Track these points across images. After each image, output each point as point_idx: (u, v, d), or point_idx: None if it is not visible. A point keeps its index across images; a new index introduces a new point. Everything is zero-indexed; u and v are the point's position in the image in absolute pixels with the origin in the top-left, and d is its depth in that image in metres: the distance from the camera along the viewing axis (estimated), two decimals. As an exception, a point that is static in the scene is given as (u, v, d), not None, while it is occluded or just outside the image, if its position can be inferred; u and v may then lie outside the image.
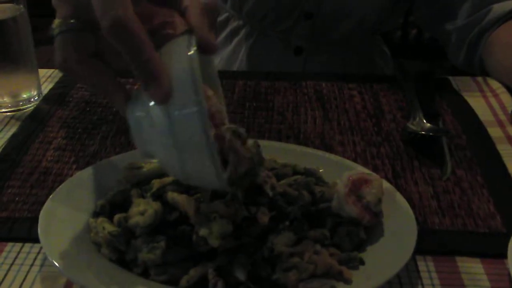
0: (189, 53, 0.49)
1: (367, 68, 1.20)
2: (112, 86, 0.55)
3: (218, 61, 1.20)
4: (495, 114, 0.87)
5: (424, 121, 0.81)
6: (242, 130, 0.53)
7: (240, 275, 0.53)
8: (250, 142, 0.55)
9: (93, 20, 0.50)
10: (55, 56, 0.57)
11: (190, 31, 0.52)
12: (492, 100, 0.91)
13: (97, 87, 0.57)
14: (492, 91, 0.94)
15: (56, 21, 0.57)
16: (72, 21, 0.56)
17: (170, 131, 0.48)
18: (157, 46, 0.50)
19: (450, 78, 0.98)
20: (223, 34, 1.20)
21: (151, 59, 0.49)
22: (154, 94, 0.48)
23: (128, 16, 0.48)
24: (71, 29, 0.56)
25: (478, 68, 1.01)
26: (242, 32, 1.17)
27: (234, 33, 1.18)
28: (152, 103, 0.49)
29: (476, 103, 0.90)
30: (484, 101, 0.91)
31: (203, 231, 0.53)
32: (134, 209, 0.56)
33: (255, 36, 1.15)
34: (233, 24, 1.18)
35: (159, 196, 0.57)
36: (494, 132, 0.82)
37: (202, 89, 0.48)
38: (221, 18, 1.20)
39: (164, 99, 0.48)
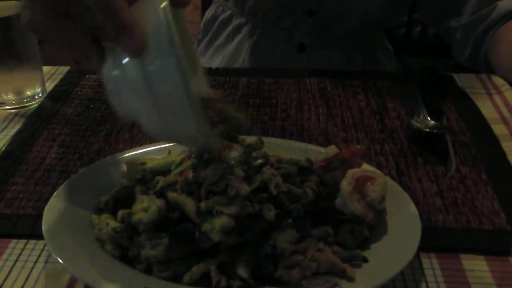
0: (161, 5, 0.47)
1: (370, 65, 1.19)
2: (85, 45, 0.53)
3: (221, 58, 1.20)
4: (499, 111, 0.87)
5: (428, 118, 0.81)
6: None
7: (243, 273, 0.53)
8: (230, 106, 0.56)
9: None
10: (22, 15, 0.54)
11: None
12: (497, 97, 0.91)
13: (70, 47, 0.54)
14: (496, 88, 0.93)
15: None
16: None
17: (147, 86, 0.47)
18: (128, 3, 0.49)
19: (454, 75, 0.98)
20: (226, 32, 1.20)
21: (121, 9, 0.47)
22: (127, 47, 0.47)
23: None
24: None
25: (483, 65, 1.01)
26: (245, 30, 1.17)
27: (237, 30, 1.18)
28: (127, 59, 0.48)
29: (480, 100, 0.90)
30: (488, 98, 0.91)
31: (205, 226, 0.53)
32: (138, 206, 0.56)
33: (258, 33, 1.15)
34: (236, 22, 1.18)
35: (162, 193, 0.57)
36: (498, 129, 0.82)
37: (178, 40, 0.46)
38: (224, 15, 1.20)
39: (138, 51, 0.47)
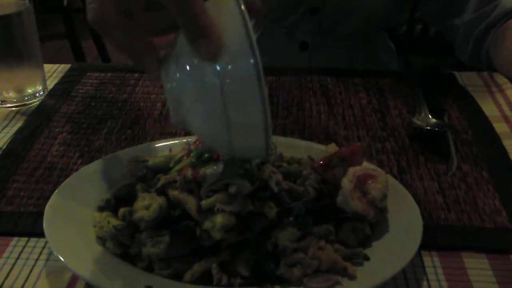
0: (241, 7, 0.46)
1: (372, 63, 1.19)
2: (145, 47, 0.52)
3: None
4: (501, 109, 0.87)
5: (430, 116, 0.80)
6: None
7: (244, 271, 0.53)
8: None
9: None
10: (89, 10, 0.52)
11: None
12: (498, 95, 0.91)
13: (127, 48, 0.52)
14: (498, 86, 0.93)
15: None
16: None
17: (220, 89, 0.46)
18: None
19: (456, 73, 0.98)
20: None
21: (201, 12, 0.46)
22: (204, 50, 0.46)
23: None
24: None
25: (485, 63, 1.01)
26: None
27: None
28: (196, 61, 0.47)
29: (482, 98, 0.90)
30: (490, 96, 0.91)
31: (206, 224, 0.53)
32: (139, 203, 0.56)
33: (261, 31, 1.15)
34: None
35: (163, 191, 0.57)
36: (500, 127, 0.82)
37: (256, 44, 0.45)
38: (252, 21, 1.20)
39: (214, 55, 0.46)
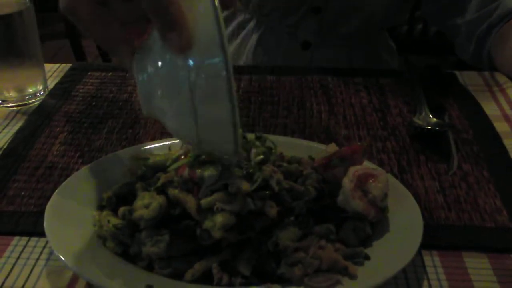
0: (212, 1, 0.45)
1: (373, 62, 1.19)
2: (118, 36, 0.52)
3: None
4: (501, 108, 0.87)
5: (430, 115, 0.80)
6: None
7: (245, 270, 0.53)
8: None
9: None
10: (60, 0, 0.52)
11: None
12: (499, 95, 0.91)
13: (102, 37, 0.52)
14: (499, 85, 0.93)
15: None
16: None
17: (189, 83, 0.45)
18: None
19: (457, 72, 0.97)
20: (230, 28, 1.20)
21: (172, 4, 0.46)
22: (175, 42, 0.46)
23: None
24: None
25: (486, 63, 1.01)
26: (249, 26, 1.16)
27: (240, 27, 1.18)
28: (168, 55, 0.47)
29: (483, 98, 0.90)
30: (491, 96, 0.91)
31: (206, 224, 0.53)
32: (139, 202, 0.56)
33: (262, 30, 1.15)
34: (240, 18, 1.18)
35: (163, 190, 0.57)
36: (501, 126, 0.82)
37: (227, 40, 0.45)
38: (228, 12, 1.20)
39: (185, 47, 0.45)
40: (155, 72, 0.48)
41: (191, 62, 0.46)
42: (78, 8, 0.51)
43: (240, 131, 0.48)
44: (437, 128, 0.78)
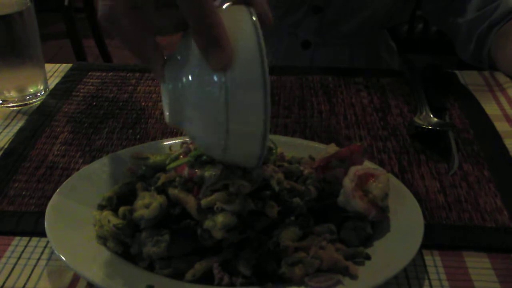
0: (253, 20, 0.46)
1: (373, 62, 1.19)
2: (152, 46, 0.51)
3: None
4: (502, 108, 0.87)
5: (431, 115, 0.80)
6: None
7: (245, 270, 0.53)
8: None
9: None
10: (101, 6, 0.51)
11: (246, 1, 0.49)
12: (499, 95, 0.91)
13: (135, 45, 0.52)
14: (499, 85, 0.93)
15: None
16: None
17: (224, 99, 0.45)
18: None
19: (457, 72, 0.97)
20: None
21: (217, 22, 0.46)
22: (215, 60, 0.46)
23: None
24: None
25: (486, 62, 1.01)
26: None
27: None
28: (204, 67, 0.46)
29: (483, 97, 0.90)
30: (491, 95, 0.91)
31: (207, 224, 0.53)
32: (139, 202, 0.56)
33: (263, 29, 1.15)
34: None
35: (163, 189, 0.57)
36: (501, 126, 0.82)
37: (266, 59, 0.45)
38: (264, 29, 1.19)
39: (224, 66, 0.45)
40: (187, 83, 0.48)
41: (228, 78, 0.46)
42: (116, 16, 0.51)
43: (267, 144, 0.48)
44: (438, 128, 0.78)
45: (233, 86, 0.46)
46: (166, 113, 0.51)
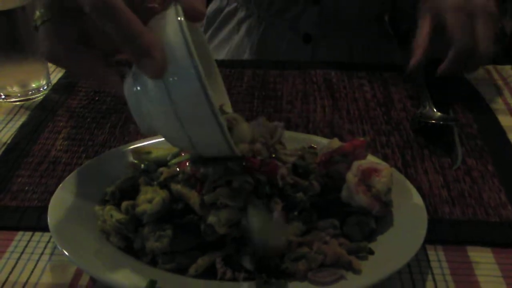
0: (178, 19, 0.47)
1: (374, 55, 1.19)
2: (104, 69, 0.54)
3: (226, 51, 1.19)
4: (506, 102, 0.87)
5: (434, 109, 0.80)
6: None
7: (248, 265, 0.53)
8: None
9: (74, 6, 0.49)
10: (41, 48, 0.55)
11: (175, 1, 0.51)
12: (503, 88, 0.90)
13: (89, 74, 0.55)
14: (503, 79, 0.93)
15: (37, 13, 0.56)
16: (52, 10, 0.55)
17: (169, 100, 0.47)
18: (143, 22, 0.49)
19: (461, 66, 0.97)
20: (231, 24, 1.20)
21: (140, 33, 0.47)
22: (149, 70, 0.47)
23: None
24: (53, 19, 0.55)
25: None
26: (250, 21, 1.16)
27: (242, 22, 1.18)
28: (146, 78, 0.48)
29: (487, 91, 0.89)
30: (495, 90, 0.90)
31: (210, 219, 0.53)
32: (142, 197, 0.56)
33: (264, 25, 1.15)
34: (241, 14, 1.18)
35: (166, 184, 0.57)
36: (505, 120, 0.81)
37: (195, 51, 0.46)
38: (229, 8, 1.20)
39: (159, 73, 0.47)
40: (140, 95, 0.50)
41: (167, 83, 0.47)
42: (57, 55, 0.54)
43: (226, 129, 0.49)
44: (441, 122, 0.78)
45: (171, 85, 0.47)
46: (138, 126, 0.53)
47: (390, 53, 1.22)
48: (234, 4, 1.19)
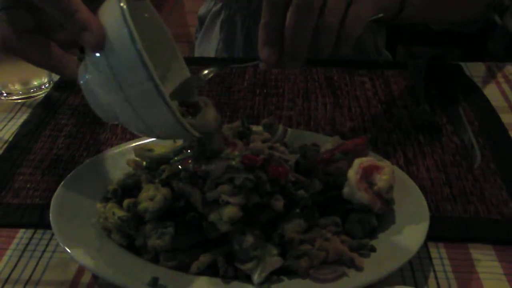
0: (120, 4, 0.48)
1: (356, 50, 1.16)
2: (58, 58, 0.56)
3: (215, 49, 1.18)
4: (507, 100, 0.87)
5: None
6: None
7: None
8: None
9: None
10: None
11: None
12: (505, 86, 0.90)
13: (44, 62, 0.57)
14: (505, 76, 0.93)
15: None
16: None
17: (116, 83, 0.48)
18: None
19: (462, 64, 0.97)
20: (218, 24, 1.18)
21: (77, 9, 0.50)
22: (87, 41, 0.49)
23: None
24: (5, 8, 0.57)
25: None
26: (237, 19, 1.15)
27: (229, 20, 1.17)
28: (95, 59, 0.49)
29: (488, 89, 0.89)
30: (496, 87, 0.90)
31: (212, 217, 0.53)
32: (144, 194, 0.56)
33: (247, 24, 1.14)
34: (227, 12, 1.17)
35: (168, 182, 0.57)
36: (507, 118, 0.81)
37: (136, 33, 0.47)
38: (215, 8, 1.19)
39: (97, 44, 0.48)
40: (91, 80, 0.51)
41: (106, 55, 0.48)
42: (10, 45, 0.56)
43: (173, 103, 0.49)
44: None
45: (111, 56, 0.48)
46: (93, 110, 0.54)
47: (374, 49, 1.20)
48: (220, 4, 1.18)
